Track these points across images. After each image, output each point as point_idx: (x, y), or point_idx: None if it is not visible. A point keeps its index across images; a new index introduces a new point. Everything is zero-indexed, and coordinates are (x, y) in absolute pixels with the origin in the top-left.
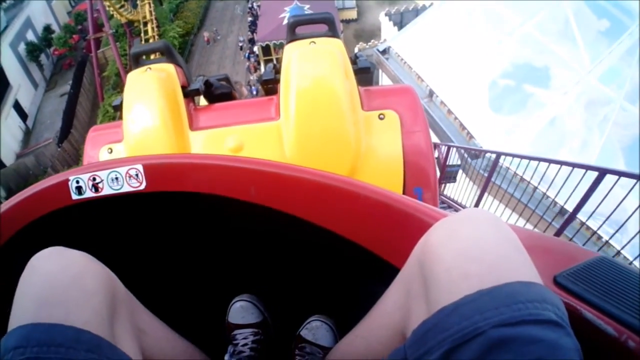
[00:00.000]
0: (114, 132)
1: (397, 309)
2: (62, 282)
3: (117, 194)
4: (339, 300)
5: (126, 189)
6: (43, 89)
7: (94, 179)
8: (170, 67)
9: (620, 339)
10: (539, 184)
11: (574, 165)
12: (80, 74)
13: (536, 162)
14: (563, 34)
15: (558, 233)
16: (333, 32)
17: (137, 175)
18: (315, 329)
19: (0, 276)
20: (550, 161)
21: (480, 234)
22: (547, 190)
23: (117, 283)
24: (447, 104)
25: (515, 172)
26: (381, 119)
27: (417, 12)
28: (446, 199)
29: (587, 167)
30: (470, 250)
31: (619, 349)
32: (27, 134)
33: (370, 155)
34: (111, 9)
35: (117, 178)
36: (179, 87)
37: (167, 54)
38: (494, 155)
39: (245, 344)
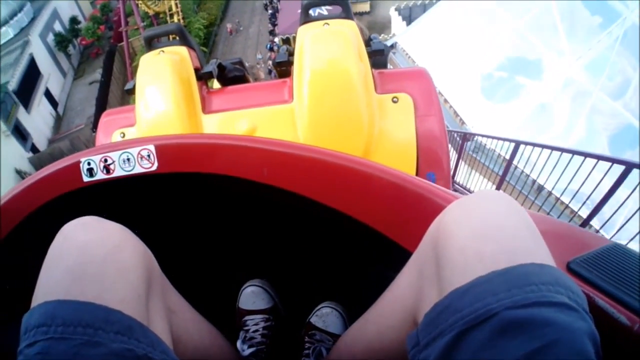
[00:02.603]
0: (127, 116)
1: (409, 293)
2: (99, 255)
3: (128, 175)
4: (350, 286)
5: (138, 170)
6: (72, 78)
7: (106, 160)
8: (183, 50)
9: (634, 328)
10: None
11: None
12: (110, 63)
13: (522, 146)
14: (557, 29)
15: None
16: (347, 14)
17: (149, 156)
18: (325, 316)
19: (13, 259)
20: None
21: (495, 214)
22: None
23: (153, 259)
24: (443, 94)
25: (503, 156)
26: (395, 102)
27: (424, 7)
28: (458, 187)
29: (575, 152)
30: (485, 230)
31: (632, 337)
32: (58, 120)
33: (383, 139)
34: (140, 1)
35: (128, 159)
36: (192, 70)
37: (180, 37)
38: (483, 139)
39: (257, 330)
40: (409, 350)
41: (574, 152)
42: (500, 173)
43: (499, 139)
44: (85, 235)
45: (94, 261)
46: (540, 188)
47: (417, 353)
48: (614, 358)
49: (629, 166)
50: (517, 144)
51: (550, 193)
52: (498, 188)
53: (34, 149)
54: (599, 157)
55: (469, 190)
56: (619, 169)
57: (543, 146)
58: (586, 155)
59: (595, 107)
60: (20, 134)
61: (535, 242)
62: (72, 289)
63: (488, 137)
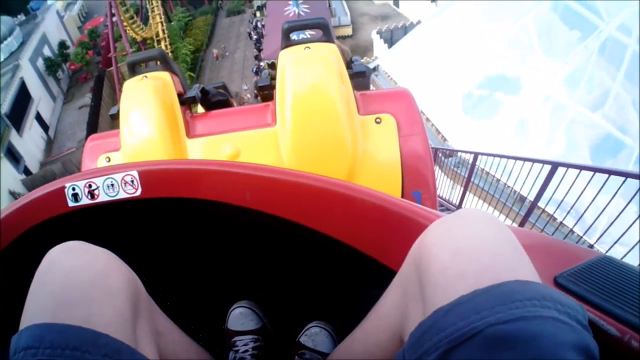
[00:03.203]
0: (112, 141)
1: (394, 312)
2: (85, 280)
3: (113, 201)
4: (338, 306)
5: (122, 195)
6: (61, 102)
7: (90, 186)
8: (166, 75)
9: (624, 339)
10: (508, 180)
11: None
12: (99, 88)
13: (505, 160)
14: (536, 46)
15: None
16: (328, 37)
17: (132, 181)
18: (314, 335)
19: (1, 282)
20: (516, 158)
21: (476, 233)
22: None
23: (139, 283)
24: (425, 113)
25: (485, 170)
26: (378, 123)
27: (405, 29)
28: (444, 202)
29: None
30: (466, 250)
31: (622, 349)
32: (49, 143)
33: (367, 160)
34: (128, 28)
35: (112, 184)
36: (175, 95)
37: (162, 62)
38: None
39: (246, 351)
40: None
41: (534, 161)
42: (481, 184)
43: (461, 151)
44: (71, 260)
45: (80, 285)
46: (523, 199)
47: None
48: None
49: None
50: (476, 155)
51: (531, 202)
52: (464, 194)
53: (26, 171)
54: (558, 164)
55: (453, 205)
56: (599, 176)
57: (499, 156)
58: (543, 162)
59: (574, 119)
60: (13, 156)
61: (518, 260)
62: (58, 312)
63: (455, 150)
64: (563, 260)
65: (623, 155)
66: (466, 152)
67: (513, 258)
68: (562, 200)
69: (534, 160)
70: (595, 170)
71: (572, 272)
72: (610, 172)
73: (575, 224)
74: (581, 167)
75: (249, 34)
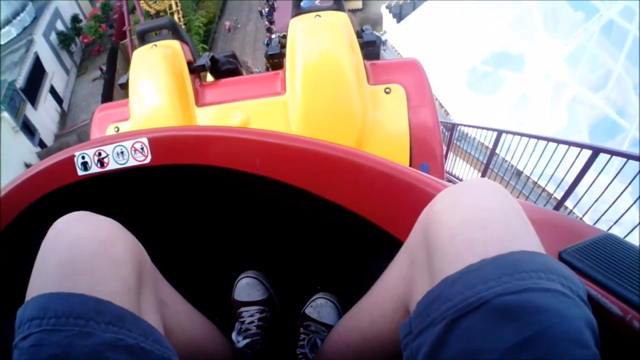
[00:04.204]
0: (121, 110)
1: (400, 281)
2: (90, 249)
3: (122, 169)
4: (344, 276)
5: (132, 163)
6: (75, 75)
7: (100, 154)
8: (175, 44)
9: (626, 319)
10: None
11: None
12: (113, 60)
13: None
14: (541, 25)
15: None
16: (338, 6)
17: (142, 148)
18: (319, 307)
19: (9, 255)
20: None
21: (485, 202)
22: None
23: (144, 253)
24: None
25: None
26: (387, 93)
27: (414, 5)
28: (452, 177)
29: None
30: (474, 218)
31: (624, 328)
32: (63, 116)
33: (376, 130)
34: (142, 1)
35: (122, 152)
36: (185, 64)
37: (172, 31)
38: (466, 128)
39: (252, 322)
40: (401, 338)
41: (539, 138)
42: (481, 159)
43: (483, 128)
44: (76, 229)
45: (85, 255)
46: (519, 173)
47: (410, 341)
48: (606, 348)
49: (595, 150)
50: (500, 132)
51: (528, 177)
52: (483, 175)
53: (41, 144)
54: (563, 142)
55: (456, 177)
56: (588, 153)
57: (522, 134)
58: (549, 140)
59: (576, 98)
60: (29, 129)
61: (525, 230)
62: (64, 282)
63: (474, 127)
64: (568, 236)
65: (620, 138)
66: (489, 129)
67: (520, 228)
68: (562, 179)
69: (570, 143)
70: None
71: (576, 249)
72: None
73: (587, 211)
74: (624, 155)
75: (260, 12)
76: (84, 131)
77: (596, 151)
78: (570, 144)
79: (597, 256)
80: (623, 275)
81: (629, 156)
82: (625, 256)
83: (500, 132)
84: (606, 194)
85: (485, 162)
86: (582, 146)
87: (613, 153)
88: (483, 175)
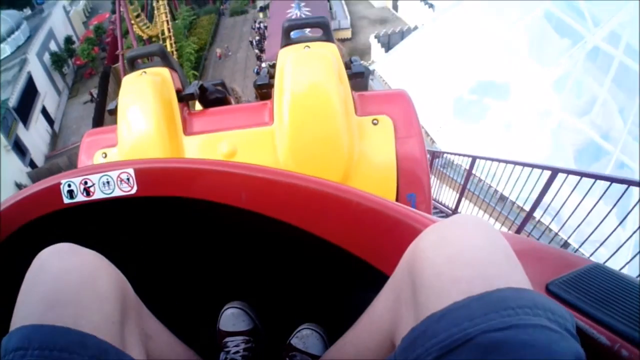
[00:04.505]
0: (109, 137)
1: (386, 315)
2: (74, 282)
3: (108, 198)
4: (330, 308)
5: (117, 193)
6: (66, 96)
7: (86, 183)
8: (165, 71)
9: (614, 348)
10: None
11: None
12: (105, 84)
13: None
14: (527, 52)
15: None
16: (328, 37)
17: (128, 179)
18: (305, 338)
19: None
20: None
21: (470, 239)
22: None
23: (128, 286)
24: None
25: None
26: (375, 124)
27: (402, 34)
28: (439, 205)
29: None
30: (460, 255)
31: (613, 358)
32: (54, 137)
33: (363, 161)
34: (134, 25)
35: (108, 182)
36: (174, 92)
37: (162, 58)
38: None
39: (237, 352)
40: None
41: (506, 162)
42: (473, 190)
43: (459, 155)
44: (61, 262)
45: (69, 288)
46: (504, 198)
47: None
48: None
49: (554, 171)
50: (474, 158)
51: (506, 199)
52: (460, 197)
53: (32, 164)
54: (526, 165)
55: (448, 208)
56: (584, 181)
57: (497, 160)
58: (514, 163)
59: (561, 124)
60: (20, 149)
61: (511, 267)
62: (47, 314)
63: (452, 153)
64: (556, 267)
65: (604, 161)
66: (463, 155)
67: (506, 265)
68: (548, 205)
69: (533, 166)
70: (596, 177)
71: (564, 280)
72: (612, 180)
73: (572, 234)
74: (581, 174)
75: (251, 42)
76: (74, 153)
77: (555, 172)
78: (532, 166)
79: (585, 287)
80: (611, 305)
81: (588, 175)
82: (614, 286)
83: (474, 158)
84: (591, 215)
85: (468, 187)
86: (542, 167)
87: (570, 172)
88: (460, 197)
